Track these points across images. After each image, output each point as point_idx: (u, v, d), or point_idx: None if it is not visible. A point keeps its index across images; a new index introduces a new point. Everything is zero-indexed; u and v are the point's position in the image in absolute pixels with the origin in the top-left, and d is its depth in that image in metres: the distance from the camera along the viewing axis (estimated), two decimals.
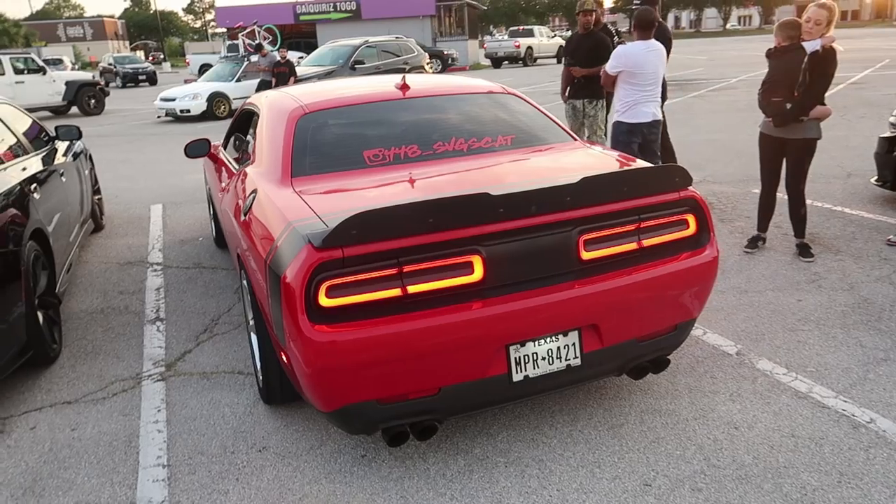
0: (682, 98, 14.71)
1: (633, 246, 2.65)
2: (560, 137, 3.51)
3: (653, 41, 5.17)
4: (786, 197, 4.76)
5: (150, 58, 64.87)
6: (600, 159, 3.24)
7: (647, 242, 2.68)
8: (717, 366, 3.33)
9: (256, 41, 19.07)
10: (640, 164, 3.12)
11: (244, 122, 4.33)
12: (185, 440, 2.95)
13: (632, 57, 5.11)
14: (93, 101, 18.71)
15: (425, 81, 3.79)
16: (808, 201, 4.89)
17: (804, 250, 4.74)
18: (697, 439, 2.75)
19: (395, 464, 2.71)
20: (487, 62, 33.82)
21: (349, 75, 14.80)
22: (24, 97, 17.15)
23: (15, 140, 4.51)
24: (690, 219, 2.78)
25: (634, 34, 5.19)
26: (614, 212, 2.59)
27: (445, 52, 29.23)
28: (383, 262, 2.29)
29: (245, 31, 20.82)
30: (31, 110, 17.59)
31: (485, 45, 35.88)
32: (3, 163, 4.05)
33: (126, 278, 5.11)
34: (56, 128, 5.54)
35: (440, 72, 28.16)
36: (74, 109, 18.76)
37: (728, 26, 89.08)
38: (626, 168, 2.95)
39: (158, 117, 16.56)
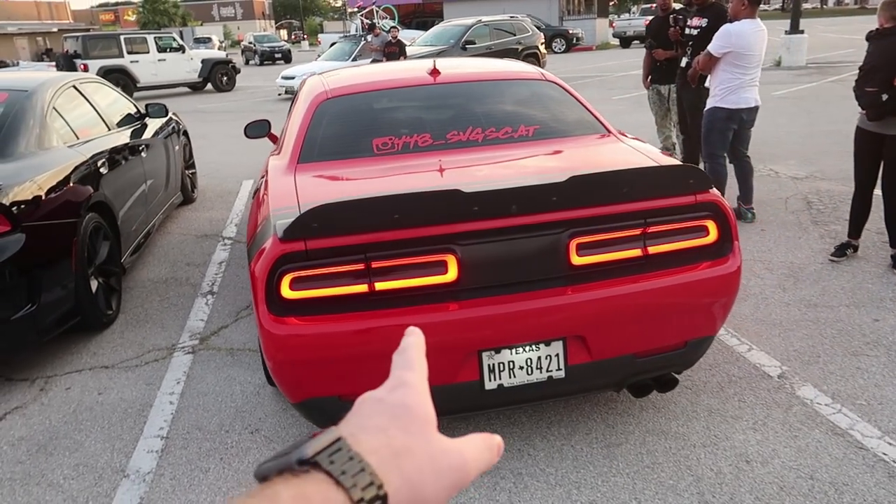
0: (818, 83, 13.38)
1: (636, 253, 2.42)
2: (591, 129, 3.25)
3: (758, 20, 4.71)
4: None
5: (293, 36, 68.04)
6: (624, 154, 2.96)
7: (653, 249, 2.43)
8: (751, 388, 2.99)
9: (373, 21, 19.44)
10: (662, 161, 2.83)
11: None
12: (189, 414, 3.07)
13: (742, 37, 4.66)
14: (225, 78, 19.91)
15: (459, 66, 3.65)
16: None
17: None
18: (698, 470, 2.49)
19: None
20: (616, 42, 32.48)
21: (459, 55, 14.74)
22: (165, 74, 18.59)
23: (95, 117, 4.84)
24: (711, 225, 2.49)
25: (742, 11, 4.67)
26: (614, 214, 2.37)
27: (570, 31, 28.39)
28: (349, 256, 2.22)
29: (364, 11, 21.29)
30: (170, 86, 18.79)
31: (613, 25, 34.48)
32: (77, 139, 4.36)
33: (197, 250, 5.39)
34: (146, 105, 5.91)
35: (564, 52, 27.44)
36: (210, 86, 20.04)
37: (868, 4, 79.67)
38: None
39: (279, 95, 17.31)
